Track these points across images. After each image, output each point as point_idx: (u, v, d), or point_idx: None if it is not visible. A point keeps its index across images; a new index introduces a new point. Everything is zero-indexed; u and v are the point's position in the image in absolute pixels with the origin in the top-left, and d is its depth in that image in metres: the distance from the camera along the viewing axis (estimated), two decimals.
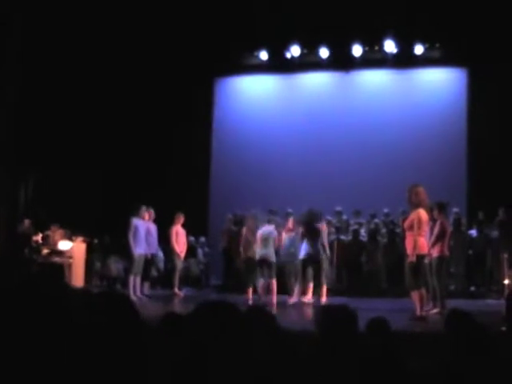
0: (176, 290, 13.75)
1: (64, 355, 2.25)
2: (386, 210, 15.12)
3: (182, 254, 13.99)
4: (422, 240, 9.56)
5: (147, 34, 16.31)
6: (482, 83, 15.81)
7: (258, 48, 17.58)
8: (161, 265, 15.78)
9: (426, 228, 9.80)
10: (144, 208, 13.19)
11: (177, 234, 13.83)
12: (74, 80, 16.44)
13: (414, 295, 9.56)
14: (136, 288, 12.86)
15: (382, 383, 3.06)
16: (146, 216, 13.30)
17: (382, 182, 16.01)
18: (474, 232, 14.41)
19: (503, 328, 6.67)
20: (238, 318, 2.67)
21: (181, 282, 14.25)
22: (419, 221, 9.48)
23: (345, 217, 15.23)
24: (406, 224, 9.78)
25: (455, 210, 14.32)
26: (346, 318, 3.50)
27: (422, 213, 9.54)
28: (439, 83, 17.19)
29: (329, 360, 3.13)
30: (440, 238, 10.38)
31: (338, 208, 15.08)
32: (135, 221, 12.90)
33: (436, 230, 10.39)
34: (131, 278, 12.84)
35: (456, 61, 16.55)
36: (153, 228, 13.48)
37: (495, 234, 13.86)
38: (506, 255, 11.74)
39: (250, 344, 2.69)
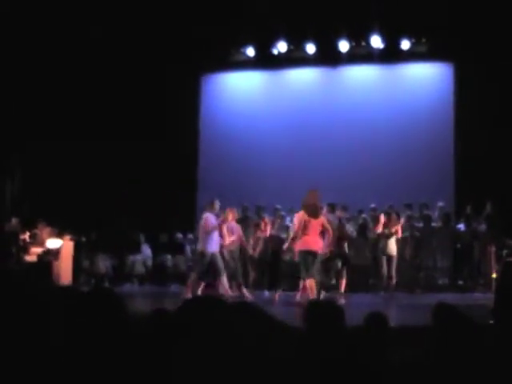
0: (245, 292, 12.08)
1: (49, 352, 2.25)
2: (372, 205, 15.08)
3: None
4: (304, 238, 10.42)
5: (135, 31, 16.25)
6: (468, 77, 15.83)
7: (245, 44, 17.55)
8: (149, 262, 15.78)
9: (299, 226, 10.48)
10: (217, 202, 11.89)
11: (231, 230, 12.31)
12: (63, 76, 16.40)
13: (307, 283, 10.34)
14: (226, 288, 11.41)
15: (366, 377, 3.06)
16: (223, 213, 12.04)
17: (370, 177, 16.03)
18: (461, 226, 14.41)
19: (491, 321, 6.70)
20: (225, 313, 2.67)
21: (169, 278, 14.18)
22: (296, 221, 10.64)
23: None
24: None
25: (440, 204, 14.34)
26: (333, 314, 3.50)
27: (297, 214, 10.82)
28: (426, 78, 17.22)
29: (315, 354, 3.13)
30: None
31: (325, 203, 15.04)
32: (209, 216, 11.67)
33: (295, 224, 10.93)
34: (193, 276, 11.67)
35: (442, 55, 16.59)
36: (235, 227, 12.38)
37: (483, 227, 13.85)
38: (493, 249, 11.80)
39: (235, 336, 2.69)
